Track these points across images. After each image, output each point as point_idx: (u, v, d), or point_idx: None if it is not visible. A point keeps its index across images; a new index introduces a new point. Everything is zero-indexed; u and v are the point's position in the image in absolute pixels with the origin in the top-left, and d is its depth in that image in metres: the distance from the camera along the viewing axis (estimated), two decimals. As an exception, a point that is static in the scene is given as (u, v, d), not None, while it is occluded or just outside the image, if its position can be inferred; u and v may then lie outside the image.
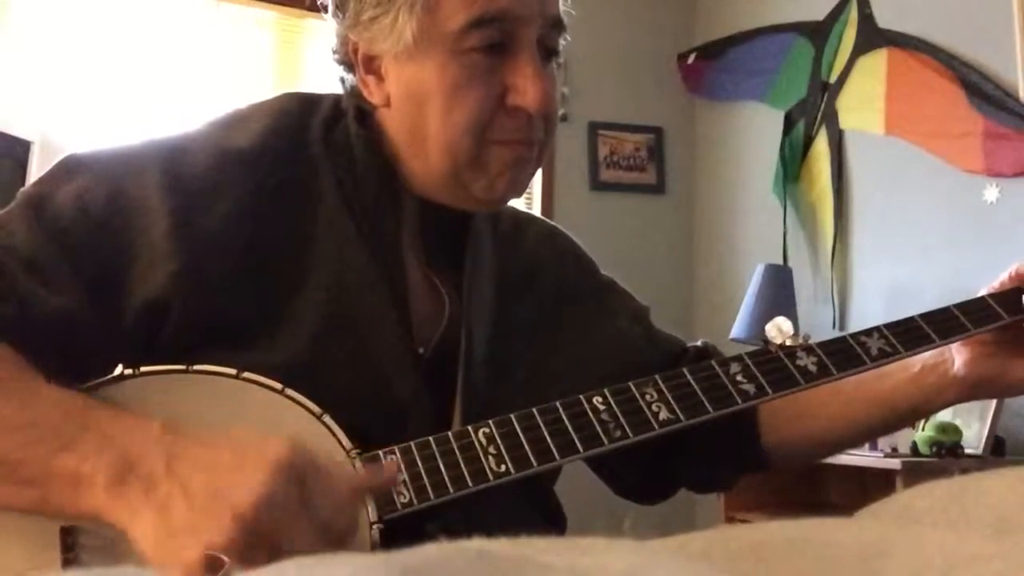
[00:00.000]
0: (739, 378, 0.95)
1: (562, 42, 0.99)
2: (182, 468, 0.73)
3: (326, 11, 1.03)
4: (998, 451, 2.79)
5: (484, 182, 0.97)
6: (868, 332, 1.01)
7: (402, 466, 0.85)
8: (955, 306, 1.04)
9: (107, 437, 0.76)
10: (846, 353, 0.99)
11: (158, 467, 0.73)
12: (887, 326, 1.01)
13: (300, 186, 0.97)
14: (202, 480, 0.71)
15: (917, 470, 2.62)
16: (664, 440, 0.93)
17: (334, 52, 1.01)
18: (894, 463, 2.66)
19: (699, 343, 1.21)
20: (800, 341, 0.99)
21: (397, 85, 0.97)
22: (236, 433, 0.75)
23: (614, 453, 0.91)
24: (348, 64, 1.00)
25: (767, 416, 1.12)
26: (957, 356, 1.05)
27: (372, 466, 0.78)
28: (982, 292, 1.07)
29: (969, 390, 1.05)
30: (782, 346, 0.99)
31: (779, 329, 1.00)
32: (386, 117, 1.00)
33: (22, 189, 0.94)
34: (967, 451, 2.73)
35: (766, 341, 1.00)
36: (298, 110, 1.02)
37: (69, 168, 0.94)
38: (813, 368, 0.97)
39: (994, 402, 2.72)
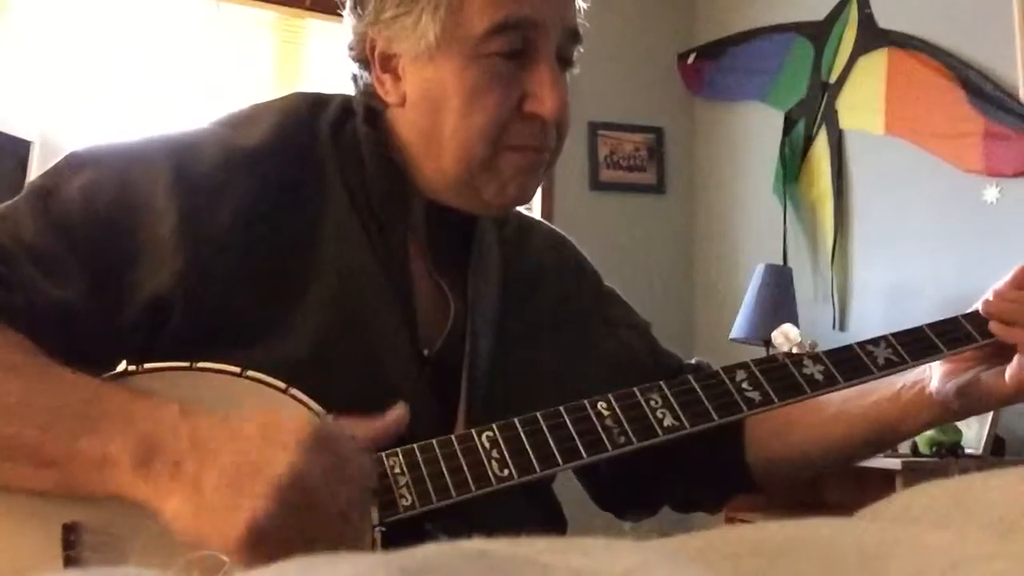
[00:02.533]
0: (745, 386, 0.95)
1: (576, 53, 1.00)
2: (208, 446, 0.74)
3: (340, 6, 1.02)
4: (998, 451, 2.79)
5: (495, 186, 0.97)
6: (875, 341, 0.99)
7: (404, 468, 0.85)
8: (962, 316, 1.02)
9: (129, 419, 0.77)
10: (853, 362, 0.97)
11: (182, 447, 0.74)
12: (895, 335, 0.99)
13: (307, 186, 0.97)
14: (233, 456, 0.73)
15: (917, 470, 2.62)
16: (649, 456, 0.93)
17: (350, 48, 1.01)
18: (894, 463, 2.66)
19: (694, 361, 1.20)
20: (806, 349, 0.98)
21: (414, 85, 0.96)
22: (249, 412, 0.77)
23: (604, 463, 0.91)
24: (364, 61, 1.00)
25: (752, 433, 1.11)
26: (934, 373, 1.03)
27: (377, 421, 0.83)
28: (988, 294, 1.05)
29: (942, 409, 1.02)
30: (788, 354, 0.98)
31: (786, 336, 0.99)
32: (399, 117, 0.99)
33: (30, 181, 0.94)
34: (967, 451, 2.73)
35: (767, 342, 0.99)
36: (306, 110, 1.01)
37: (77, 162, 0.94)
38: (820, 377, 0.96)
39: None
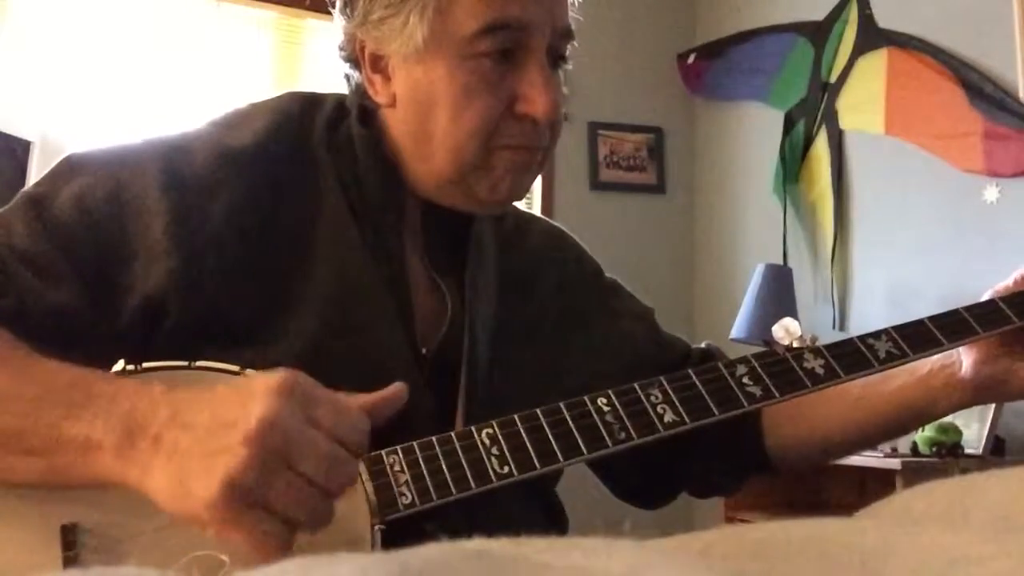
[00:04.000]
0: (745, 380, 0.94)
1: (569, 49, 1.00)
2: (186, 416, 0.73)
3: (330, 6, 1.02)
4: (998, 451, 2.79)
5: (487, 185, 0.97)
6: (876, 334, 0.99)
7: (404, 466, 0.85)
8: (964, 309, 1.02)
9: (112, 402, 0.76)
10: (854, 356, 0.97)
11: (162, 420, 0.74)
12: (895, 328, 0.99)
13: (301, 185, 0.97)
14: (207, 419, 0.72)
15: (917, 470, 2.62)
16: (666, 442, 0.93)
17: (340, 49, 1.01)
18: (894, 463, 2.66)
19: (703, 345, 1.20)
20: (807, 343, 0.98)
21: (404, 86, 0.96)
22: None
23: (617, 455, 0.91)
24: (354, 62, 1.00)
25: (771, 417, 1.11)
26: (965, 359, 1.03)
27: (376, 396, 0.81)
28: (988, 294, 1.06)
29: (975, 394, 1.03)
30: (789, 348, 0.98)
31: (786, 330, 0.98)
32: (390, 117, 0.99)
33: (23, 190, 0.94)
34: (967, 451, 2.73)
35: (767, 341, 0.99)
36: (300, 109, 1.01)
37: (70, 167, 0.94)
38: (820, 371, 0.96)
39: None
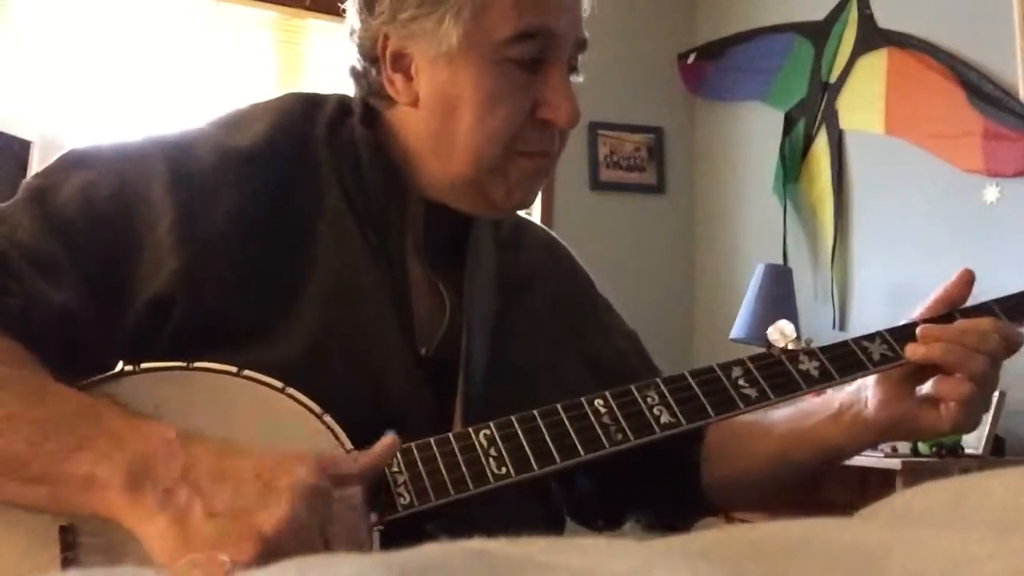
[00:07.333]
0: (741, 382, 0.95)
1: (580, 59, 1.02)
2: (202, 479, 0.73)
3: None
4: (998, 451, 2.79)
5: (503, 189, 0.98)
6: (870, 337, 0.99)
7: (402, 467, 0.85)
8: (958, 311, 1.02)
9: (121, 440, 0.76)
10: (848, 358, 0.97)
11: (174, 474, 0.73)
12: (889, 331, 0.99)
13: (303, 186, 0.97)
14: (226, 496, 0.72)
15: (917, 470, 2.62)
16: (617, 484, 0.92)
17: (359, 46, 1.00)
18: (894, 463, 2.66)
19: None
20: (802, 345, 0.99)
21: (429, 86, 0.96)
22: (256, 446, 0.76)
23: (582, 480, 0.91)
24: (372, 59, 1.00)
25: (709, 456, 1.11)
26: (871, 399, 1.02)
27: (369, 453, 0.81)
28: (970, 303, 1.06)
29: (878, 435, 1.02)
30: (784, 350, 0.98)
31: (781, 332, 0.99)
32: (407, 116, 0.99)
33: (25, 180, 0.94)
34: (967, 451, 2.73)
35: (768, 343, 0.99)
36: (301, 110, 1.01)
37: (73, 161, 0.94)
38: (815, 372, 0.96)
39: (994, 402, 2.73)
